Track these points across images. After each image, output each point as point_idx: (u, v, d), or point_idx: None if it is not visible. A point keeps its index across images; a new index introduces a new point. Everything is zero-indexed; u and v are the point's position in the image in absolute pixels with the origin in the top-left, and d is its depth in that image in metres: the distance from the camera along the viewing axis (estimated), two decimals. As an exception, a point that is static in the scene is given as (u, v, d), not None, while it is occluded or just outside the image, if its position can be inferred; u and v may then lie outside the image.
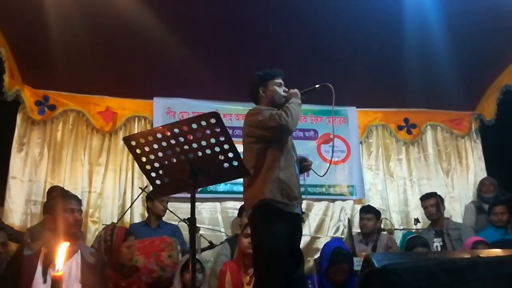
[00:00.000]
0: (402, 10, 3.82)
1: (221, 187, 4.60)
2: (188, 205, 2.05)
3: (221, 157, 1.85)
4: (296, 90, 2.72)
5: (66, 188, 4.08)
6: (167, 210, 3.97)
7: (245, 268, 3.20)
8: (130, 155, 4.26)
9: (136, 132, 4.29)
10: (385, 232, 3.79)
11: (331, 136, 4.70)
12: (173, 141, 1.82)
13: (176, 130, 1.80)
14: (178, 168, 1.86)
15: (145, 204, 4.12)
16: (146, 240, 3.42)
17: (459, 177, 5.20)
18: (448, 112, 5.35)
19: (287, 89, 2.76)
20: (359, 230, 4.39)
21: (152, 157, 1.86)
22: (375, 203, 4.84)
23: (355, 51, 4.20)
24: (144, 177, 2.03)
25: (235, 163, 1.87)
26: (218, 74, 4.22)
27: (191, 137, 1.80)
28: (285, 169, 2.52)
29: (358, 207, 4.70)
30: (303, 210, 2.74)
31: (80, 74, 4.28)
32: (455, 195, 5.10)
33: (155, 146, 1.83)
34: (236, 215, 4.40)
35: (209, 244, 3.70)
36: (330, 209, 4.86)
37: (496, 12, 3.87)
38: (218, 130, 1.79)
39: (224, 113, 4.69)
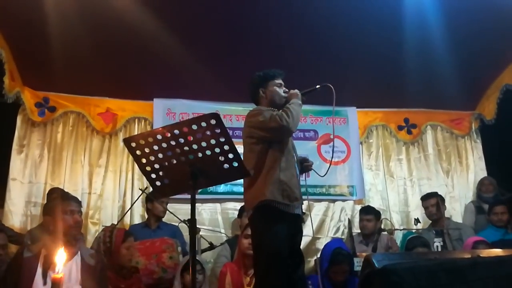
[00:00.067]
0: (402, 10, 3.82)
1: (221, 188, 4.59)
2: (188, 206, 2.05)
3: (222, 158, 1.85)
4: (296, 91, 2.71)
5: (66, 190, 4.08)
6: (167, 211, 3.97)
7: (245, 269, 3.20)
8: (130, 157, 4.27)
9: (136, 133, 4.30)
10: (386, 232, 3.79)
11: (331, 137, 4.69)
12: (173, 142, 1.81)
13: (176, 131, 1.79)
14: (178, 169, 1.86)
15: (145, 205, 4.12)
16: (147, 241, 3.42)
17: (459, 177, 5.19)
18: (448, 112, 5.34)
19: (287, 90, 2.75)
20: (359, 231, 4.38)
21: (152, 158, 1.85)
22: (375, 203, 4.83)
23: (355, 51, 4.20)
24: (144, 178, 2.02)
25: (236, 164, 1.87)
26: (218, 75, 4.21)
27: (191, 138, 1.80)
28: (286, 170, 2.52)
29: (358, 207, 4.70)
30: (304, 211, 2.73)
31: (80, 75, 4.28)
32: (455, 195, 5.09)
33: (155, 147, 1.83)
34: (236, 216, 4.40)
35: (209, 245, 3.70)
36: (330, 210, 4.85)
37: (496, 12, 3.87)
38: (218, 131, 1.79)
39: (224, 114, 4.66)
